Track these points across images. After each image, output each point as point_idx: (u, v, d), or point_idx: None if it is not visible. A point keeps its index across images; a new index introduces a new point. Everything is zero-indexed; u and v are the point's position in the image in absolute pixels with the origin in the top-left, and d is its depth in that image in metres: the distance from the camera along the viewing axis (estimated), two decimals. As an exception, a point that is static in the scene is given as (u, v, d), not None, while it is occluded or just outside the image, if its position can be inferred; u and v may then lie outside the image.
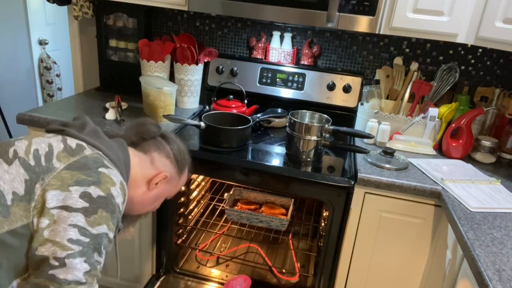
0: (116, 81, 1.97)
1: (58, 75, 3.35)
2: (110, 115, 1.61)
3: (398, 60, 1.80)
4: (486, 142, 1.57)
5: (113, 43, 1.92)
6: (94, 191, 0.76)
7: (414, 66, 1.74)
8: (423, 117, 1.62)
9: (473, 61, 1.76)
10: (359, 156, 1.50)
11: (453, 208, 1.18)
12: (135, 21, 1.87)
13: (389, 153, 1.45)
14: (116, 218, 0.80)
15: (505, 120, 1.66)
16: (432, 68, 1.80)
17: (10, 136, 3.03)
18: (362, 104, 1.76)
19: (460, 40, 1.43)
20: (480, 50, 1.74)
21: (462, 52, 1.76)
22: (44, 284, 0.71)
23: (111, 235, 0.79)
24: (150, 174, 0.98)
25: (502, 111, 1.68)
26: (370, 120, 1.64)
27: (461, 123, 1.55)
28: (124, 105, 1.74)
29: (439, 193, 1.29)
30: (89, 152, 0.83)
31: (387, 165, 1.41)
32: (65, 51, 3.45)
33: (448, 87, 1.70)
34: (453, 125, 1.56)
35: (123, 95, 1.89)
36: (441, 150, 1.63)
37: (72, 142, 0.84)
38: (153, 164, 0.99)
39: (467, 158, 1.60)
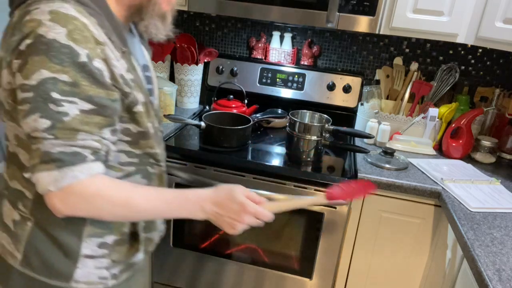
0: (116, 81, 1.97)
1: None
2: (110, 115, 1.61)
3: (398, 60, 1.80)
4: (486, 142, 1.57)
5: (113, 43, 1.92)
6: (22, 44, 0.63)
7: (414, 66, 1.74)
8: (423, 117, 1.62)
9: (473, 61, 1.76)
10: (359, 156, 1.50)
11: (453, 208, 1.18)
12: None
13: (389, 153, 1.45)
14: (62, 54, 0.63)
15: (505, 120, 1.66)
16: (432, 68, 1.80)
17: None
18: (362, 104, 1.76)
19: (460, 40, 1.43)
20: (480, 50, 1.74)
21: (462, 52, 1.76)
22: (31, 152, 0.66)
23: (63, 76, 0.63)
24: None
25: (502, 111, 1.68)
26: (370, 120, 1.64)
27: (461, 123, 1.55)
28: (124, 105, 1.74)
29: (439, 193, 1.30)
30: (16, 16, 0.68)
31: (387, 165, 1.41)
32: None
33: (448, 87, 1.70)
34: (453, 125, 1.57)
35: (123, 95, 1.89)
36: (441, 150, 1.63)
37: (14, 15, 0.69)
38: None
39: (467, 158, 1.60)
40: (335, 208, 1.34)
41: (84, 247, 0.78)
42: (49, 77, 0.62)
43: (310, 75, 1.81)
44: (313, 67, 1.87)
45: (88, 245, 0.78)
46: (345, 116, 1.81)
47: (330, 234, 1.39)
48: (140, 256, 0.88)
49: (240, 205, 0.76)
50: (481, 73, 1.77)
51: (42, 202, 0.71)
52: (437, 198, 1.31)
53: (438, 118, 1.61)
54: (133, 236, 0.85)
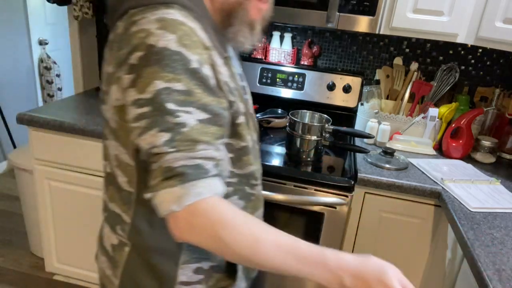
0: (116, 81, 1.97)
1: (58, 75, 3.36)
2: (110, 115, 1.61)
3: (398, 60, 1.80)
4: (486, 142, 1.57)
5: (113, 43, 1.92)
6: (132, 57, 0.60)
7: (414, 66, 1.74)
8: (423, 117, 1.62)
9: (473, 61, 1.76)
10: (359, 156, 1.50)
11: (453, 208, 1.18)
12: (135, 21, 1.87)
13: (389, 153, 1.45)
14: (174, 62, 0.58)
15: (505, 120, 1.66)
16: (432, 68, 1.80)
17: (10, 136, 3.03)
18: (362, 104, 1.76)
19: (460, 40, 1.43)
20: (480, 50, 1.74)
21: (462, 52, 1.76)
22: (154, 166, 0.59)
23: (177, 85, 0.58)
24: None
25: (502, 111, 1.68)
26: (370, 120, 1.64)
27: (461, 123, 1.55)
28: (124, 105, 1.74)
29: (439, 193, 1.30)
30: (120, 27, 0.64)
31: (387, 165, 1.41)
32: (65, 51, 3.45)
33: (448, 87, 1.70)
34: (453, 125, 1.57)
35: (123, 95, 1.89)
36: (441, 150, 1.63)
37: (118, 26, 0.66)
38: None
39: (467, 158, 1.60)
40: (335, 208, 1.34)
41: (180, 273, 0.73)
42: (163, 87, 0.58)
43: (310, 75, 1.81)
44: (313, 67, 1.87)
45: (184, 272, 0.73)
46: (345, 116, 1.81)
47: (330, 234, 1.39)
48: (241, 285, 0.81)
49: None
50: (481, 73, 1.77)
51: (139, 227, 0.69)
52: (437, 198, 1.31)
53: (438, 118, 1.61)
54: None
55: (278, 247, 0.60)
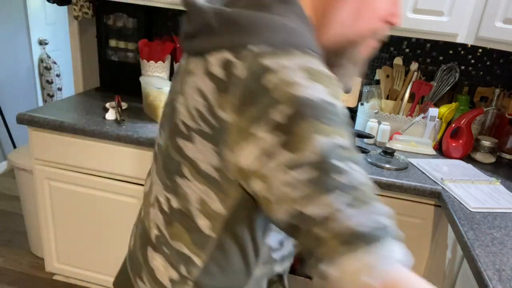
0: (116, 81, 1.97)
1: (58, 75, 3.36)
2: (110, 115, 1.61)
3: (398, 60, 1.80)
4: (486, 142, 1.57)
5: (113, 43, 1.92)
6: (275, 113, 0.50)
7: (414, 66, 1.74)
8: (423, 117, 1.62)
9: (473, 61, 1.76)
10: (359, 156, 1.50)
11: (453, 208, 1.18)
12: (135, 21, 1.87)
13: (389, 153, 1.45)
14: (330, 114, 0.51)
15: (505, 120, 1.66)
16: (432, 68, 1.80)
17: (10, 136, 3.03)
18: (362, 104, 1.76)
19: (460, 40, 1.43)
20: (480, 50, 1.74)
21: (462, 52, 1.76)
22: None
23: (338, 139, 0.50)
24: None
25: (502, 111, 1.68)
26: (370, 120, 1.64)
27: (461, 123, 1.55)
28: (124, 105, 1.74)
29: (439, 193, 1.30)
30: (239, 67, 0.52)
31: (387, 165, 1.41)
32: (65, 51, 3.45)
33: (448, 87, 1.70)
34: (453, 125, 1.57)
35: (123, 95, 1.89)
36: (441, 150, 1.63)
37: (211, 64, 0.55)
38: None
39: (467, 158, 1.60)
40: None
41: None
42: (326, 143, 0.49)
43: (310, 75, 1.80)
44: (313, 67, 1.87)
45: None
46: (345, 116, 1.81)
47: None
48: None
49: None
50: (481, 73, 1.77)
51: (211, 271, 0.64)
52: (437, 198, 1.31)
53: (438, 118, 1.61)
54: None
55: None
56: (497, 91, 1.68)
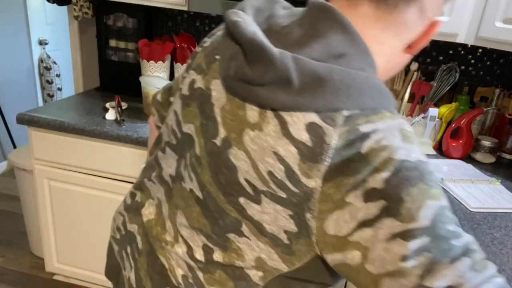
0: (116, 81, 1.97)
1: (58, 75, 3.36)
2: (110, 115, 1.61)
3: (398, 60, 1.80)
4: (486, 142, 1.57)
5: (113, 43, 1.92)
6: (374, 180, 0.46)
7: (414, 66, 1.74)
8: (423, 117, 1.62)
9: (473, 61, 1.76)
10: (359, 156, 1.50)
11: (453, 208, 1.18)
12: (135, 21, 1.87)
13: (389, 153, 1.45)
14: (431, 175, 0.48)
15: (505, 120, 1.66)
16: (432, 68, 1.80)
17: (10, 136, 3.03)
18: (362, 104, 1.76)
19: (460, 40, 1.43)
20: (480, 50, 1.74)
21: (462, 52, 1.76)
22: None
23: (444, 202, 0.48)
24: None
25: (502, 111, 1.68)
26: (370, 120, 1.64)
27: (461, 123, 1.55)
28: (124, 105, 1.74)
29: (439, 193, 1.29)
30: (331, 135, 0.48)
31: (387, 165, 1.41)
32: (65, 51, 3.45)
33: (448, 87, 1.70)
34: (453, 125, 1.57)
35: (123, 95, 1.89)
36: (441, 150, 1.63)
37: (294, 127, 0.49)
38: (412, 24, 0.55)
39: (467, 158, 1.60)
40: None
41: None
42: (439, 207, 0.46)
43: (310, 75, 1.80)
44: (313, 67, 1.86)
45: None
46: (345, 116, 1.81)
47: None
48: None
49: None
50: (481, 73, 1.77)
51: None
52: (437, 198, 1.31)
53: (438, 118, 1.61)
54: None
55: None
56: (497, 91, 1.68)
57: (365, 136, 0.48)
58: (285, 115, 0.49)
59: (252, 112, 0.52)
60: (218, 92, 0.57)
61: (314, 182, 0.49)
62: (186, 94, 0.64)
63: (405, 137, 0.49)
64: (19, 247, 2.23)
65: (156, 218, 0.68)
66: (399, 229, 0.45)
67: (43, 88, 3.35)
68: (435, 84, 1.70)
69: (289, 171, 0.49)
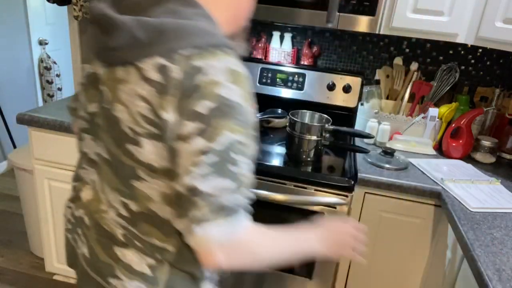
0: (116, 81, 1.97)
1: (58, 75, 3.36)
2: (110, 115, 1.61)
3: (398, 60, 1.80)
4: (486, 142, 1.57)
5: (113, 43, 1.92)
6: (201, 106, 0.61)
7: (414, 66, 1.74)
8: (423, 117, 1.62)
9: (473, 61, 1.76)
10: (359, 156, 1.50)
11: (453, 208, 1.18)
12: (135, 21, 1.87)
13: (389, 153, 1.45)
14: (241, 115, 0.63)
15: (505, 120, 1.66)
16: (432, 68, 1.80)
17: (10, 136, 3.03)
18: (362, 104, 1.76)
19: (460, 40, 1.43)
20: (480, 50, 1.74)
21: (462, 52, 1.76)
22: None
23: (242, 138, 0.64)
24: None
25: (502, 111, 1.68)
26: (370, 120, 1.64)
27: (461, 123, 1.55)
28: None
29: (439, 193, 1.30)
30: (175, 70, 0.61)
31: (387, 165, 1.41)
32: (65, 51, 3.45)
33: (448, 87, 1.70)
34: (453, 125, 1.57)
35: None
36: (441, 150, 1.63)
37: (146, 71, 0.63)
38: None
39: (467, 158, 1.60)
40: (335, 208, 1.34)
41: (204, 271, 0.81)
42: (233, 139, 0.62)
43: (310, 75, 1.81)
44: (313, 67, 1.87)
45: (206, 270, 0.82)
46: (345, 116, 1.81)
47: (330, 234, 1.39)
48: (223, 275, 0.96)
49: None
50: (481, 73, 1.77)
51: (184, 254, 0.74)
52: (437, 198, 1.31)
53: (438, 118, 1.61)
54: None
55: (288, 241, 0.76)
56: (497, 91, 1.68)
57: (198, 69, 0.61)
58: (140, 64, 0.63)
59: (119, 72, 0.65)
60: (99, 69, 0.71)
61: (170, 115, 0.62)
62: (84, 82, 0.76)
63: (233, 77, 0.62)
64: (19, 247, 2.23)
65: (93, 196, 0.79)
66: (203, 146, 0.61)
67: (43, 88, 3.35)
68: (435, 84, 1.70)
69: (152, 108, 0.62)
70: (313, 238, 0.81)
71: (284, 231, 0.76)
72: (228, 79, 0.62)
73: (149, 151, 0.65)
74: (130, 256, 0.75)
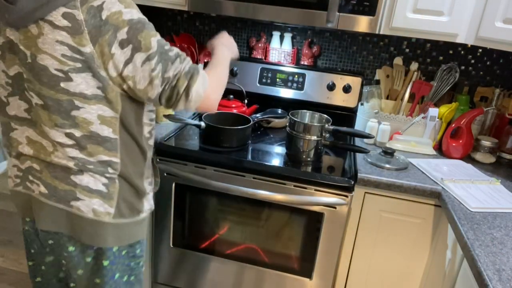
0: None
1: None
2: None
3: (398, 60, 1.80)
4: (486, 142, 1.57)
5: (113, 43, 1.93)
6: (120, 34, 0.84)
7: (414, 66, 1.74)
8: (423, 117, 1.62)
9: (473, 61, 1.76)
10: (359, 156, 1.50)
11: (453, 208, 1.18)
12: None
13: (389, 153, 1.45)
14: (147, 23, 0.89)
15: (505, 120, 1.66)
16: (432, 68, 1.80)
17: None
18: (362, 104, 1.76)
19: (460, 40, 1.43)
20: (480, 50, 1.74)
21: (462, 52, 1.76)
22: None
23: (158, 35, 0.91)
24: None
25: (502, 111, 1.68)
26: (370, 120, 1.64)
27: (461, 123, 1.55)
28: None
29: (439, 193, 1.30)
30: (78, 14, 0.82)
31: (387, 165, 1.41)
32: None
33: (448, 87, 1.70)
34: (453, 125, 1.57)
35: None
36: (441, 150, 1.63)
37: (56, 20, 0.82)
38: None
39: (467, 158, 1.60)
40: (335, 208, 1.34)
41: (146, 186, 1.05)
42: (158, 39, 0.88)
43: (310, 75, 1.81)
44: (313, 67, 1.87)
45: (146, 185, 1.06)
46: (345, 116, 1.81)
47: (330, 234, 1.39)
48: (155, 190, 1.17)
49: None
50: (481, 73, 1.77)
51: (124, 161, 0.96)
52: (437, 198, 1.31)
53: (438, 118, 1.61)
54: (154, 181, 1.16)
55: (223, 70, 1.07)
56: (497, 91, 1.68)
57: (99, 7, 0.82)
58: (49, 17, 0.81)
59: (33, 29, 0.82)
60: (11, 34, 0.86)
61: (89, 48, 0.83)
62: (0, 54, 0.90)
63: (126, 4, 0.85)
64: (19, 247, 2.23)
65: (34, 146, 0.93)
66: (143, 56, 0.86)
67: (43, 88, 3.35)
68: (435, 84, 1.70)
69: (71, 47, 0.82)
70: (225, 54, 1.13)
71: (214, 65, 1.06)
72: (122, 6, 0.84)
73: (79, 83, 0.85)
74: (86, 180, 0.93)
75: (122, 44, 0.83)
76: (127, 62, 0.85)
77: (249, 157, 1.41)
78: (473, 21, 1.39)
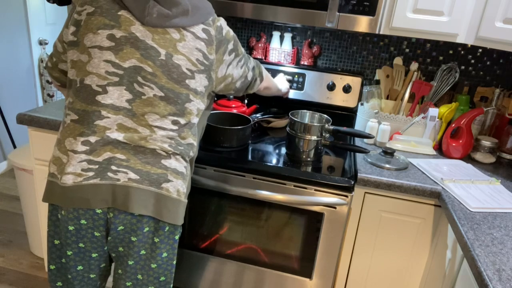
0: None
1: (58, 75, 3.35)
2: (110, 115, 1.61)
3: (398, 60, 1.80)
4: (486, 142, 1.57)
5: (113, 43, 1.93)
6: (229, 45, 1.14)
7: (414, 66, 1.74)
8: (423, 117, 1.62)
9: (473, 61, 1.76)
10: (359, 156, 1.50)
11: (453, 208, 1.18)
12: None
13: (389, 153, 1.45)
14: (236, 38, 1.20)
15: (505, 120, 1.66)
16: (432, 68, 1.80)
17: (10, 136, 3.03)
18: (362, 104, 1.76)
19: (460, 40, 1.43)
20: (480, 50, 1.74)
21: (462, 52, 1.76)
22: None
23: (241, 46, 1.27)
24: None
25: (502, 111, 1.68)
26: (370, 120, 1.64)
27: (461, 123, 1.55)
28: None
29: (439, 193, 1.30)
30: (211, 30, 1.11)
31: (387, 165, 1.41)
32: (65, 51, 3.45)
33: (448, 87, 1.70)
34: (453, 125, 1.57)
35: (123, 95, 1.89)
36: (441, 150, 1.63)
37: (197, 32, 1.06)
38: None
39: (467, 158, 1.60)
40: (335, 208, 1.34)
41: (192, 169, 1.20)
42: (241, 48, 1.21)
43: (310, 75, 1.81)
44: (313, 67, 1.87)
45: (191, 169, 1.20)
46: (345, 116, 1.81)
47: (330, 234, 1.39)
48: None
49: None
50: (481, 73, 1.77)
51: (196, 148, 1.13)
52: (437, 198, 1.31)
53: (438, 118, 1.61)
54: None
55: (272, 79, 1.48)
56: (497, 91, 1.68)
57: (220, 26, 1.10)
58: (191, 28, 1.04)
59: (174, 34, 1.01)
60: (140, 32, 0.99)
61: (213, 56, 1.08)
62: (112, 45, 0.98)
63: (227, 25, 1.19)
64: (19, 247, 2.23)
65: (131, 132, 1.01)
66: (239, 58, 1.18)
67: (43, 88, 3.35)
68: (435, 84, 1.70)
69: (204, 54, 1.06)
70: (280, 80, 1.63)
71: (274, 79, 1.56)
72: (227, 27, 1.14)
73: (197, 81, 1.05)
74: (174, 163, 1.05)
75: (230, 53, 1.13)
76: (232, 64, 1.15)
77: (249, 157, 1.41)
78: (473, 21, 1.39)
